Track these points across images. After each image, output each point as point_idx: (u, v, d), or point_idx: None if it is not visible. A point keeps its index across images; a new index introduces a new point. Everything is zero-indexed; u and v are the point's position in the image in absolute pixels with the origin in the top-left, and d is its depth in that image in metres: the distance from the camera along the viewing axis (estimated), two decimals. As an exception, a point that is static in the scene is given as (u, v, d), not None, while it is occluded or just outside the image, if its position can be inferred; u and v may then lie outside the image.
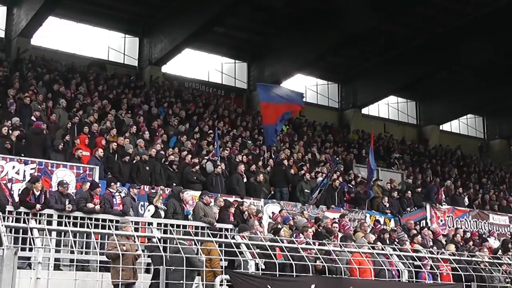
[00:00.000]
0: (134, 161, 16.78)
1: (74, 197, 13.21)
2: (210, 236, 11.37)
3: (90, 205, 12.86)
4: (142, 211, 15.03)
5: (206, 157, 18.80)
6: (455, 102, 35.12)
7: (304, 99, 19.13)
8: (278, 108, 16.70)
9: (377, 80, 32.48)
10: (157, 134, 19.81)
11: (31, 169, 14.72)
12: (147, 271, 12.11)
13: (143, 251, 11.03)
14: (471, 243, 17.40)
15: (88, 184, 13.51)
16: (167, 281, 9.65)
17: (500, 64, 31.06)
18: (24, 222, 10.73)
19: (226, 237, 12.90)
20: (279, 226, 13.83)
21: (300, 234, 13.06)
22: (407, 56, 29.97)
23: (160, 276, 9.71)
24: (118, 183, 14.56)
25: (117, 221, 12.19)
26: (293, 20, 28.47)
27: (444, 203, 22.23)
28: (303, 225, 14.00)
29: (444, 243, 16.50)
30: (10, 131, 15.81)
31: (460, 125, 39.94)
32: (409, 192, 21.69)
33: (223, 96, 30.36)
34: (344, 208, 19.46)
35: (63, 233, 11.24)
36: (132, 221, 11.74)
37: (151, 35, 28.91)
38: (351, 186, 21.17)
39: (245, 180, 18.31)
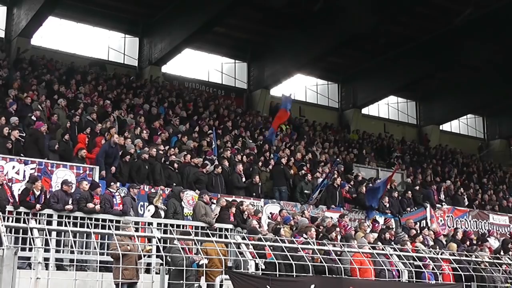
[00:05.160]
0: (136, 160, 16.75)
1: (76, 197, 13.19)
2: (210, 236, 11.38)
3: (90, 205, 12.86)
4: (142, 211, 15.02)
5: (206, 157, 18.82)
6: (455, 102, 35.16)
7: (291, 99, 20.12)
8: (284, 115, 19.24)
9: (377, 80, 32.50)
10: (158, 133, 19.80)
11: (31, 169, 14.69)
12: (147, 271, 12.13)
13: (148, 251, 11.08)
14: (468, 242, 17.41)
15: (86, 183, 13.52)
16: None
17: (500, 64, 31.06)
18: (24, 222, 10.73)
19: (226, 237, 12.91)
20: (278, 226, 13.82)
21: (304, 234, 13.06)
22: (407, 56, 29.98)
23: (160, 276, 9.76)
24: (118, 183, 14.56)
25: (117, 221, 12.23)
26: (293, 20, 28.45)
27: (444, 203, 22.23)
28: (305, 225, 13.99)
29: (445, 243, 16.51)
30: (10, 131, 15.78)
31: (460, 125, 39.96)
32: (409, 192, 21.65)
33: (223, 96, 30.36)
34: (344, 208, 19.45)
35: (63, 233, 11.25)
36: (132, 221, 11.75)
37: (151, 35, 28.92)
38: (351, 186, 21.15)
39: (243, 179, 18.30)
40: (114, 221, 12.21)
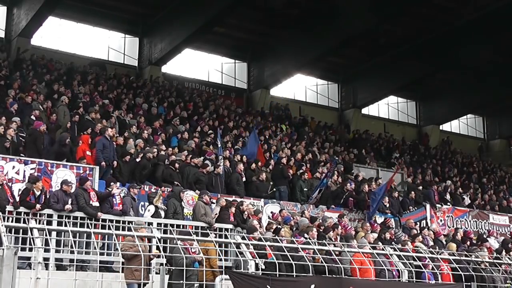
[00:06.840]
0: (140, 160, 16.75)
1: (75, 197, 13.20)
2: (210, 236, 11.39)
3: (95, 204, 12.87)
4: (142, 211, 15.03)
5: (206, 157, 18.83)
6: (455, 102, 35.18)
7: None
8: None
9: (377, 80, 32.48)
10: (158, 133, 19.80)
11: (31, 169, 14.69)
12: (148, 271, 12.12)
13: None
14: (467, 242, 17.40)
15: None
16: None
17: (500, 64, 31.06)
18: (24, 222, 10.74)
19: (226, 237, 12.91)
20: (279, 226, 13.82)
21: (305, 234, 13.06)
22: (407, 56, 29.96)
23: (160, 276, 9.78)
24: (118, 183, 14.56)
25: (117, 221, 12.25)
26: (293, 20, 28.46)
27: (448, 203, 22.23)
28: (307, 225, 13.99)
29: (445, 242, 16.51)
30: (7, 130, 15.76)
31: (460, 125, 39.97)
32: (413, 192, 21.61)
33: (223, 96, 30.35)
34: (344, 208, 19.42)
35: (63, 233, 11.25)
36: (132, 221, 11.77)
37: (151, 35, 28.91)
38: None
39: (244, 179, 18.30)
40: (114, 221, 12.23)
